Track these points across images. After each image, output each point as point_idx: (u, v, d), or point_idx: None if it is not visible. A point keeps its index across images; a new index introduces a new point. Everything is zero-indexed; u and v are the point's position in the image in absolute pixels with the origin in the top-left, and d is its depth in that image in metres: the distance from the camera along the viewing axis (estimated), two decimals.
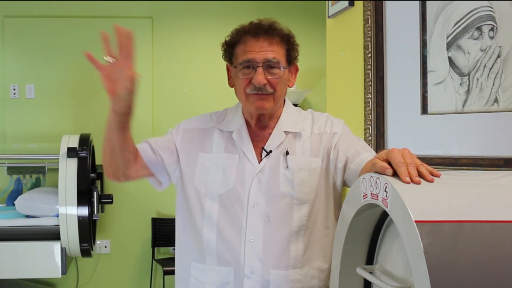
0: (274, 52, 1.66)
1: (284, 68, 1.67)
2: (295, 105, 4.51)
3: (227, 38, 1.73)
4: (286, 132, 1.72)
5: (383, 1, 2.03)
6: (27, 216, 3.82)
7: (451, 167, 1.72)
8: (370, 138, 2.07)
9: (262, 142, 1.73)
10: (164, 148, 1.78)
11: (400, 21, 1.97)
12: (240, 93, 1.70)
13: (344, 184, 1.73)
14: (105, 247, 4.71)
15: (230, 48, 1.72)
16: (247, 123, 1.75)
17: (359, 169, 1.62)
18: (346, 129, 1.76)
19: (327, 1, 2.44)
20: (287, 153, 1.69)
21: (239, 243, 1.67)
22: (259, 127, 1.74)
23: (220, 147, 1.74)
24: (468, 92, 1.69)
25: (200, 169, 1.74)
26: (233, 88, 1.76)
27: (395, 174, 1.15)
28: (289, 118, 1.75)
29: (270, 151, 1.70)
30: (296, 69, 1.77)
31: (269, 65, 1.65)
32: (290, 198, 1.67)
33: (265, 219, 1.67)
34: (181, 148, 1.78)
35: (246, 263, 1.67)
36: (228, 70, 1.77)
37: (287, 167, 1.68)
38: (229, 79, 1.77)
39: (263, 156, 1.71)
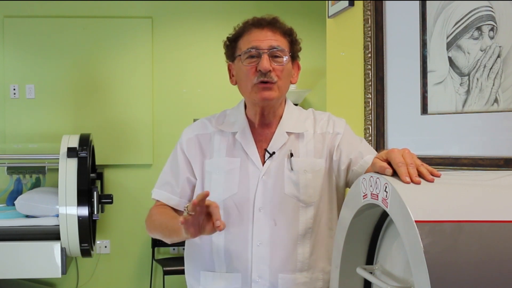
0: (278, 41, 1.67)
1: (288, 57, 1.67)
2: (295, 105, 4.52)
3: (229, 35, 1.73)
4: (289, 133, 1.71)
5: (383, 1, 2.03)
6: (27, 216, 3.82)
7: (451, 167, 1.72)
8: (370, 138, 2.07)
9: (265, 143, 1.71)
10: (189, 176, 1.76)
11: (400, 21, 1.97)
12: (244, 85, 1.68)
13: (347, 185, 1.72)
14: (105, 247, 4.71)
15: (233, 43, 1.72)
16: (250, 123, 1.74)
17: (363, 171, 1.61)
18: (348, 129, 1.76)
19: (327, 1, 2.44)
20: (291, 154, 1.68)
21: (246, 248, 1.66)
22: (263, 125, 1.72)
23: (222, 151, 1.72)
24: (468, 92, 1.69)
25: (206, 177, 1.73)
26: (236, 85, 1.74)
27: (394, 174, 1.15)
28: (291, 118, 1.74)
29: (273, 153, 1.69)
30: (299, 67, 1.77)
31: (273, 54, 1.65)
32: (295, 200, 1.66)
33: (272, 223, 1.66)
34: (191, 159, 1.76)
35: (254, 268, 1.65)
36: (229, 70, 1.76)
37: (292, 169, 1.67)
38: (231, 77, 1.76)
39: (266, 157, 1.69)
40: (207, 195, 1.45)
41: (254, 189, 1.67)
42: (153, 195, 1.81)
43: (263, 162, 1.69)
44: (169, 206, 1.79)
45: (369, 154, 1.66)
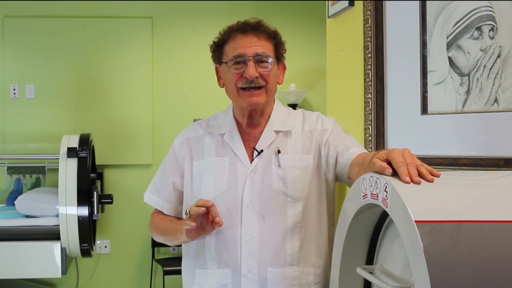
0: (263, 47, 1.71)
1: (273, 60, 1.71)
2: (295, 105, 4.52)
3: (215, 39, 1.77)
4: (277, 132, 1.76)
5: (383, 1, 2.03)
6: (27, 216, 3.82)
7: (451, 167, 1.72)
8: (370, 138, 2.07)
9: (253, 142, 1.76)
10: (175, 181, 1.84)
11: (400, 21, 1.97)
12: (231, 89, 1.73)
13: (336, 179, 1.76)
14: (105, 247, 4.71)
15: (219, 48, 1.76)
16: (238, 124, 1.78)
17: (348, 163, 1.66)
18: (336, 126, 1.80)
19: (327, 1, 2.44)
20: (279, 151, 1.72)
21: (236, 244, 1.70)
22: (250, 125, 1.77)
23: (211, 152, 1.77)
24: (468, 92, 1.69)
25: (195, 177, 1.78)
26: (224, 88, 1.79)
27: (394, 174, 1.15)
28: (280, 116, 1.79)
29: (261, 151, 1.73)
30: (284, 67, 1.81)
31: (259, 59, 1.69)
32: (283, 196, 1.70)
33: (260, 218, 1.69)
34: (181, 161, 1.83)
35: (243, 262, 1.69)
36: (217, 72, 1.81)
37: (279, 166, 1.71)
38: (218, 80, 1.81)
39: (254, 155, 1.73)
40: (211, 206, 1.57)
41: (242, 186, 1.71)
42: (144, 198, 1.95)
43: (252, 161, 1.73)
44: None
45: (354, 146, 1.71)
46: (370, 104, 2.06)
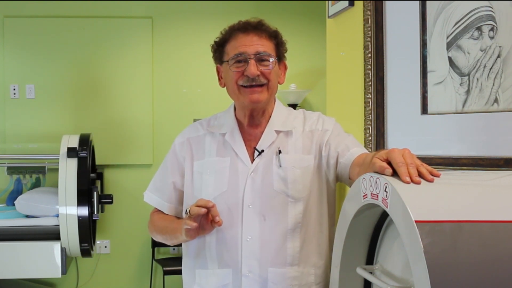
0: (264, 45, 1.71)
1: (274, 59, 1.71)
2: (295, 105, 4.52)
3: (217, 39, 1.77)
4: (278, 131, 1.76)
5: (383, 1, 2.03)
6: (27, 216, 3.82)
7: (451, 167, 1.72)
8: (370, 138, 2.07)
9: (254, 142, 1.76)
10: (175, 181, 1.84)
11: (400, 21, 1.97)
12: (232, 88, 1.73)
13: (337, 179, 1.76)
14: (105, 247, 4.71)
15: (220, 47, 1.77)
16: (239, 124, 1.78)
17: (349, 163, 1.66)
18: (337, 126, 1.81)
19: (327, 1, 2.44)
20: (280, 151, 1.72)
21: (236, 244, 1.70)
22: (252, 125, 1.77)
23: (212, 151, 1.78)
24: (468, 92, 1.69)
25: (196, 177, 1.78)
26: (225, 87, 1.79)
27: (394, 174, 1.15)
28: (280, 116, 1.79)
29: (262, 151, 1.73)
30: (285, 67, 1.82)
31: (260, 58, 1.69)
32: (284, 196, 1.70)
33: (261, 218, 1.69)
34: (182, 160, 1.83)
35: (244, 262, 1.69)
36: (218, 72, 1.81)
37: (280, 166, 1.71)
38: (220, 80, 1.82)
39: (255, 156, 1.73)
40: (211, 206, 1.57)
41: (243, 186, 1.71)
42: (144, 198, 1.94)
43: (253, 161, 1.73)
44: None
45: (355, 147, 1.71)
46: (370, 104, 2.06)
